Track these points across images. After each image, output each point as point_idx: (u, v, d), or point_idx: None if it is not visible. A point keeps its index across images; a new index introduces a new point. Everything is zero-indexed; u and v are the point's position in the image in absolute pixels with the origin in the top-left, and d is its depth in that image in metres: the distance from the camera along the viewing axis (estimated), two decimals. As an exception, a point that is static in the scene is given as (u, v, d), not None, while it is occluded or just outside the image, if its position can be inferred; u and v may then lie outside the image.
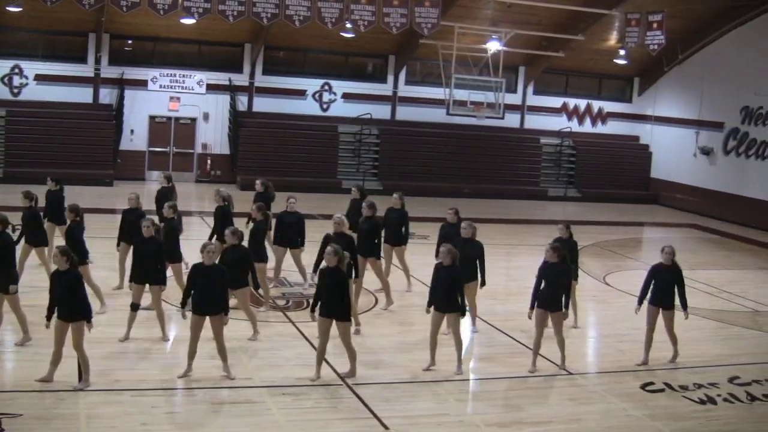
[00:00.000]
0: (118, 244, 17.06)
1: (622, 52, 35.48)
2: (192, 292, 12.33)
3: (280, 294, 17.87)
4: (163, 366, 12.58)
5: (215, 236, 17.29)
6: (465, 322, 14.53)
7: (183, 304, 12.62)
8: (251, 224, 17.36)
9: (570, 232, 16.18)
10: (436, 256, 14.81)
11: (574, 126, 41.07)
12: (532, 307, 13.81)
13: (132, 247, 14.98)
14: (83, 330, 11.60)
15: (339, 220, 15.66)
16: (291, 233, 17.94)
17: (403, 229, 18.76)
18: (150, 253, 13.93)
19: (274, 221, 18.35)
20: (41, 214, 17.54)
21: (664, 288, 14.26)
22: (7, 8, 31.27)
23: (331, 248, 12.43)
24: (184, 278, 13.57)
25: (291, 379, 12.51)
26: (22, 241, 16.78)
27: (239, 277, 13.96)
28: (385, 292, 17.18)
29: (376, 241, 17.26)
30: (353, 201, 20.01)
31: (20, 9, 31.50)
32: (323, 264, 12.73)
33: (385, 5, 31.17)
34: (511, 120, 39.22)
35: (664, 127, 40.20)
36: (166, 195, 19.46)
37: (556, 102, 41.05)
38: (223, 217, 17.78)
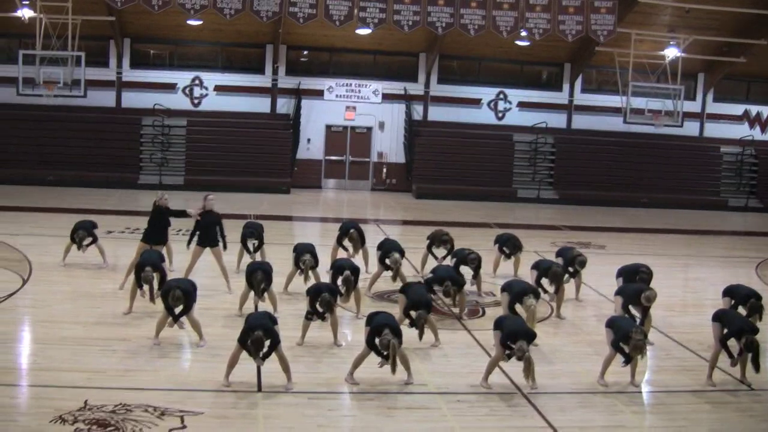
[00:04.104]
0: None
1: (807, 57, 34.37)
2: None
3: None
4: (339, 370, 12.77)
5: None
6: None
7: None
8: None
9: None
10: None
11: (756, 134, 39.98)
12: None
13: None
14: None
15: None
16: None
17: None
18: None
19: None
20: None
21: None
22: (188, 22, 32.43)
23: None
24: None
25: (466, 386, 12.54)
26: (193, 243, 17.50)
27: None
28: (557, 302, 17.02)
29: None
30: None
31: (200, 22, 32.74)
32: None
33: (560, 13, 31.11)
34: (690, 128, 38.44)
35: None
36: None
37: (737, 109, 40.04)
38: None
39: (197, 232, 17.41)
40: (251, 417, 11.11)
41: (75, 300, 16.38)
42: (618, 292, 15.52)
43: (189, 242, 17.41)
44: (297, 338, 14.05)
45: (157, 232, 17.75)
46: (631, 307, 14.93)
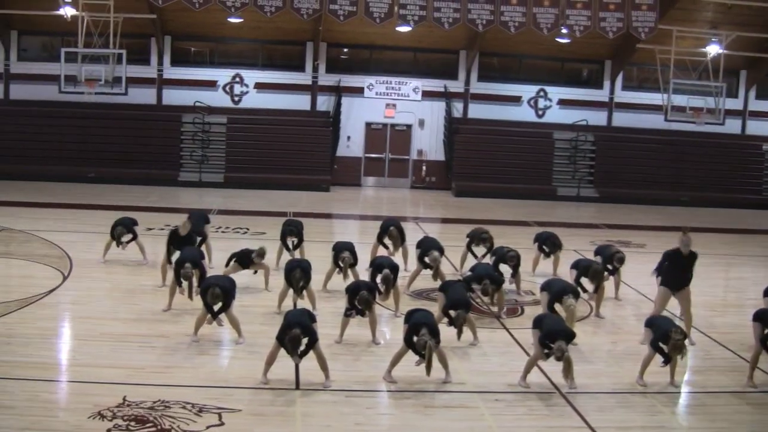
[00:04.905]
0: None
1: None
2: None
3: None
4: (377, 368, 12.76)
5: None
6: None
7: None
8: None
9: None
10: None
11: (799, 132, 39.48)
12: None
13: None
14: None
15: None
16: None
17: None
18: None
19: None
20: None
21: None
22: (229, 19, 32.59)
23: None
24: None
25: (504, 386, 12.50)
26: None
27: None
28: (596, 301, 16.90)
29: None
30: None
31: (241, 20, 32.86)
32: None
33: (601, 10, 30.96)
34: (732, 126, 37.97)
35: None
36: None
37: (780, 107, 39.56)
38: None
39: (235, 257, 17.31)
40: (289, 414, 11.14)
41: (114, 296, 16.53)
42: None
43: (228, 263, 17.25)
44: (335, 336, 14.07)
45: (180, 243, 17.74)
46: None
